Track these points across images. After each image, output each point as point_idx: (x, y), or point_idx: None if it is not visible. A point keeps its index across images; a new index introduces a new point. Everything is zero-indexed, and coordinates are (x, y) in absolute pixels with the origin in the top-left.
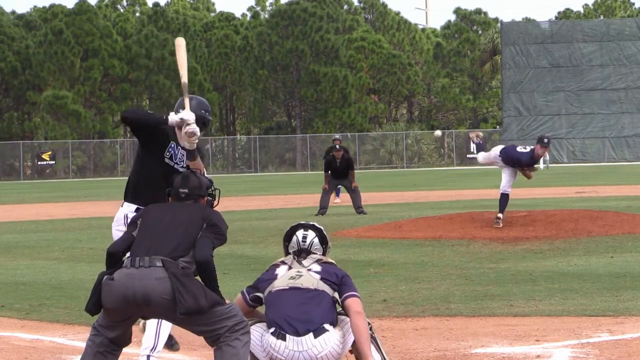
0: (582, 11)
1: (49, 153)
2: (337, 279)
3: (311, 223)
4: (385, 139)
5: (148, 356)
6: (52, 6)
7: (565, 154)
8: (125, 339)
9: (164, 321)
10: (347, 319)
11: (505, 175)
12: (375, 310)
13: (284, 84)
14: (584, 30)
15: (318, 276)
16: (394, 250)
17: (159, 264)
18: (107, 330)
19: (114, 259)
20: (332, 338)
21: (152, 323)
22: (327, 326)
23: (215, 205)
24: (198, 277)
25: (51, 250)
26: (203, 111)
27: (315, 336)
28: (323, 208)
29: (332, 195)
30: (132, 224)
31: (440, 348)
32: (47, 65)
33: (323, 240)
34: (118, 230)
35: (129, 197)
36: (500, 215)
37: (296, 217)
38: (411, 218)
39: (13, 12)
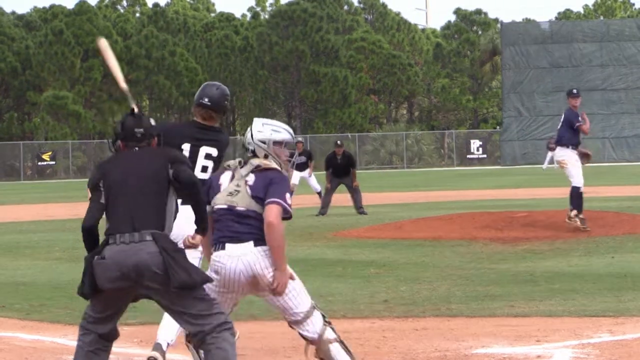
0: (582, 12)
1: (49, 153)
2: (263, 192)
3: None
4: (386, 140)
5: (168, 344)
6: (52, 6)
7: None
8: (114, 333)
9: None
10: (295, 277)
11: (573, 169)
12: (376, 311)
13: (284, 84)
14: (584, 31)
15: (250, 193)
16: (395, 250)
17: (149, 238)
18: (96, 325)
19: (91, 234)
20: (266, 251)
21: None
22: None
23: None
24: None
25: (52, 251)
26: (226, 102)
27: (256, 245)
28: (324, 208)
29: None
30: (95, 189)
31: (441, 348)
32: (47, 66)
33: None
34: None
35: None
36: (582, 215)
37: (296, 217)
38: (411, 218)
39: (13, 13)
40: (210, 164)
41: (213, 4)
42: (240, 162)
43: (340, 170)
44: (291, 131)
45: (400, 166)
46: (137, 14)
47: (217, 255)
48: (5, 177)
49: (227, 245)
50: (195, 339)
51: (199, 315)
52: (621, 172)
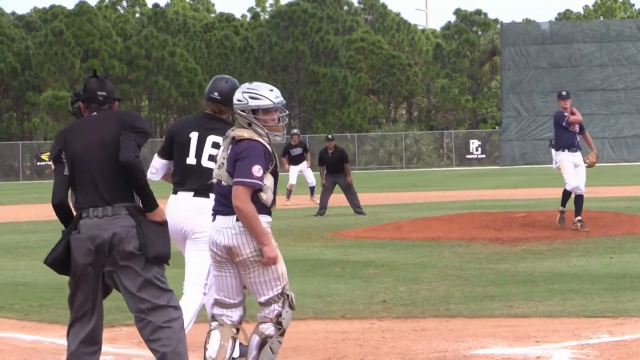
0: (582, 12)
1: (49, 154)
2: (232, 167)
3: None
4: (385, 140)
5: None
6: (52, 7)
7: None
8: (95, 336)
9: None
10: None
11: (567, 172)
12: (374, 311)
13: (284, 84)
14: (584, 31)
15: (226, 167)
16: (394, 251)
17: (124, 212)
18: (77, 328)
19: (62, 209)
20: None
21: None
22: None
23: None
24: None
25: None
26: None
27: (237, 220)
28: (322, 208)
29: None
30: (57, 161)
31: (440, 349)
32: (47, 66)
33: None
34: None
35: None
36: (579, 217)
37: (294, 218)
38: (410, 219)
39: (13, 13)
40: (217, 152)
41: (213, 5)
42: (232, 129)
43: (333, 165)
44: (275, 95)
45: (399, 166)
46: (137, 15)
47: (211, 227)
48: (4, 177)
49: (217, 217)
50: (139, 324)
51: (157, 292)
52: (620, 173)
